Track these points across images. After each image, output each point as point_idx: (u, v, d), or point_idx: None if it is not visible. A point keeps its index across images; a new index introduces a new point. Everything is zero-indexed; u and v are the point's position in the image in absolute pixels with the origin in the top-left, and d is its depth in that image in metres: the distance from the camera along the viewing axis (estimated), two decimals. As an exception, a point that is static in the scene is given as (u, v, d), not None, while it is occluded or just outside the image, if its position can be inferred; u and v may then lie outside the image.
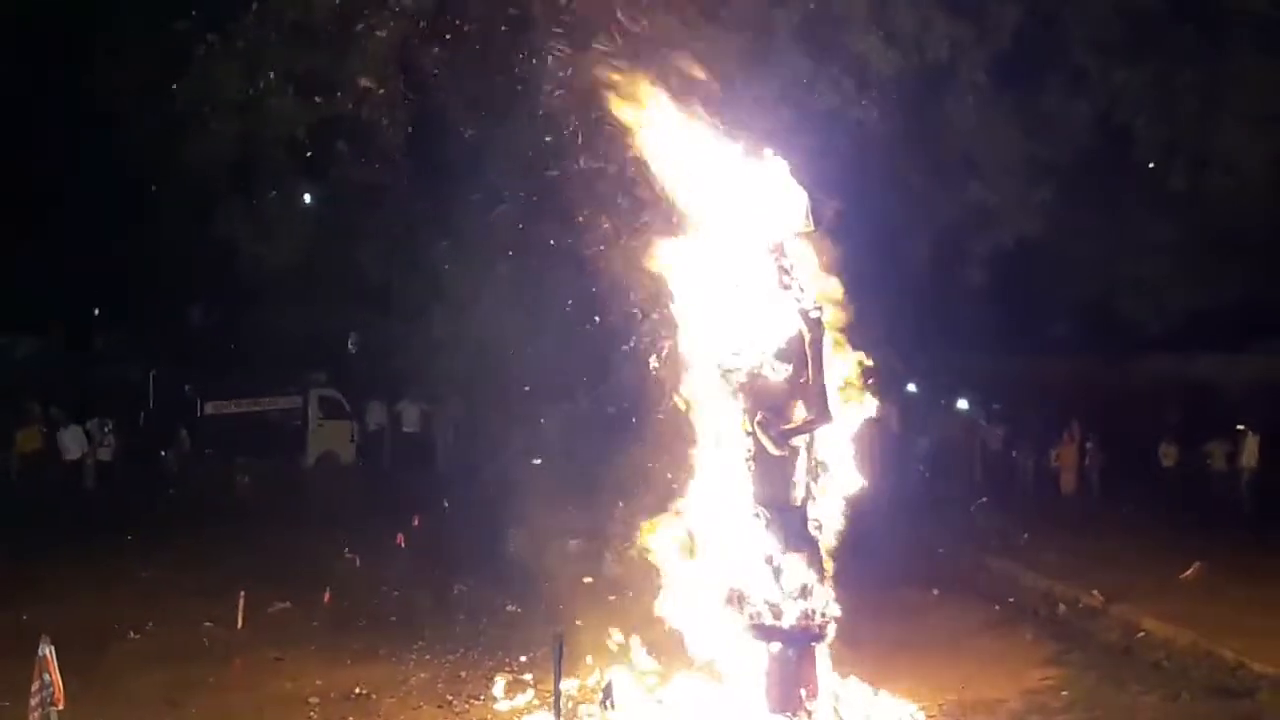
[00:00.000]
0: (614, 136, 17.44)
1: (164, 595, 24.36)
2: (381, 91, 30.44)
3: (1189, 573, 25.50)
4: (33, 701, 14.09)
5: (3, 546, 27.29)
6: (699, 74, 17.31)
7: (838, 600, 17.10)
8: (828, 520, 17.06)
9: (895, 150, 31.29)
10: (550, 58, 17.97)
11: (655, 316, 17.47)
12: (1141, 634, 22.30)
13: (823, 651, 16.98)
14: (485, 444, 33.71)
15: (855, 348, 17.42)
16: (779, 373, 16.53)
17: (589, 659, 18.87)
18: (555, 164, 18.70)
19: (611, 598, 19.60)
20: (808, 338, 16.21)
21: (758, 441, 16.47)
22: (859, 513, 17.42)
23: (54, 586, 24.51)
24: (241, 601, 21.97)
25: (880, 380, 18.00)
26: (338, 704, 18.27)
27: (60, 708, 14.04)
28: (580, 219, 18.14)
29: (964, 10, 30.56)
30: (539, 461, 25.85)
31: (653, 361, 17.69)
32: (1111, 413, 39.69)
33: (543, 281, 26.24)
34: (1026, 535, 30.02)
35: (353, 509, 33.64)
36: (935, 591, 25.86)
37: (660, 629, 18.01)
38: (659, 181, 17.19)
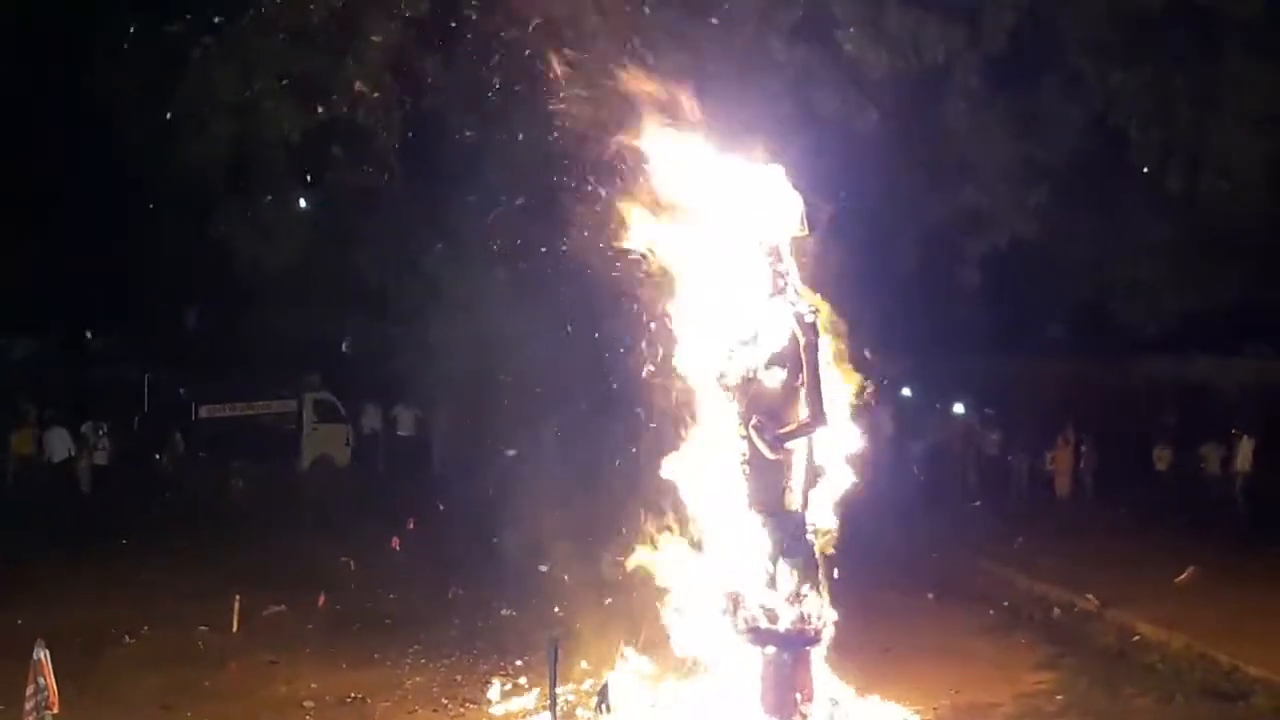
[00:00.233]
0: (610, 141, 17.43)
1: (159, 599, 24.37)
2: (377, 95, 30.46)
3: (1183, 576, 25.53)
4: (27, 706, 14.09)
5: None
6: (696, 78, 17.32)
7: (833, 604, 17.11)
8: (823, 524, 17.06)
9: (890, 152, 31.31)
10: (545, 62, 17.95)
11: (651, 320, 17.46)
12: (1136, 638, 22.34)
13: (818, 655, 16.98)
14: (480, 447, 33.73)
15: (850, 351, 17.41)
16: (774, 377, 16.54)
17: (584, 662, 18.88)
18: (550, 167, 18.68)
19: (607, 601, 19.59)
20: (802, 341, 16.20)
21: (753, 445, 16.48)
22: (854, 517, 17.42)
23: (49, 590, 24.53)
24: (237, 605, 22.02)
25: (875, 384, 18.00)
26: (333, 708, 18.28)
27: (55, 712, 14.04)
28: (575, 223, 18.11)
29: (959, 13, 30.60)
30: (531, 462, 25.85)
31: (648, 365, 17.69)
32: (1106, 415, 39.71)
33: (538, 285, 26.24)
34: (1021, 539, 30.06)
35: (348, 512, 33.63)
36: (930, 595, 25.89)
37: (656, 632, 18.02)
38: (655, 185, 17.20)
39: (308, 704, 18.44)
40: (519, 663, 20.06)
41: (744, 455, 16.56)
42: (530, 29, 18.13)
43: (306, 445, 42.71)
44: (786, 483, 16.51)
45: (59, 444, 36.64)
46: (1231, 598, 23.82)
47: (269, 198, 36.46)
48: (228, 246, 35.80)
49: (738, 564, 16.81)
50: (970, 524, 33.51)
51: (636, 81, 17.07)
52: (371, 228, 36.17)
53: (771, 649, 16.45)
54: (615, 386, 19.42)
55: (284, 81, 31.82)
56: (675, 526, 17.68)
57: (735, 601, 16.66)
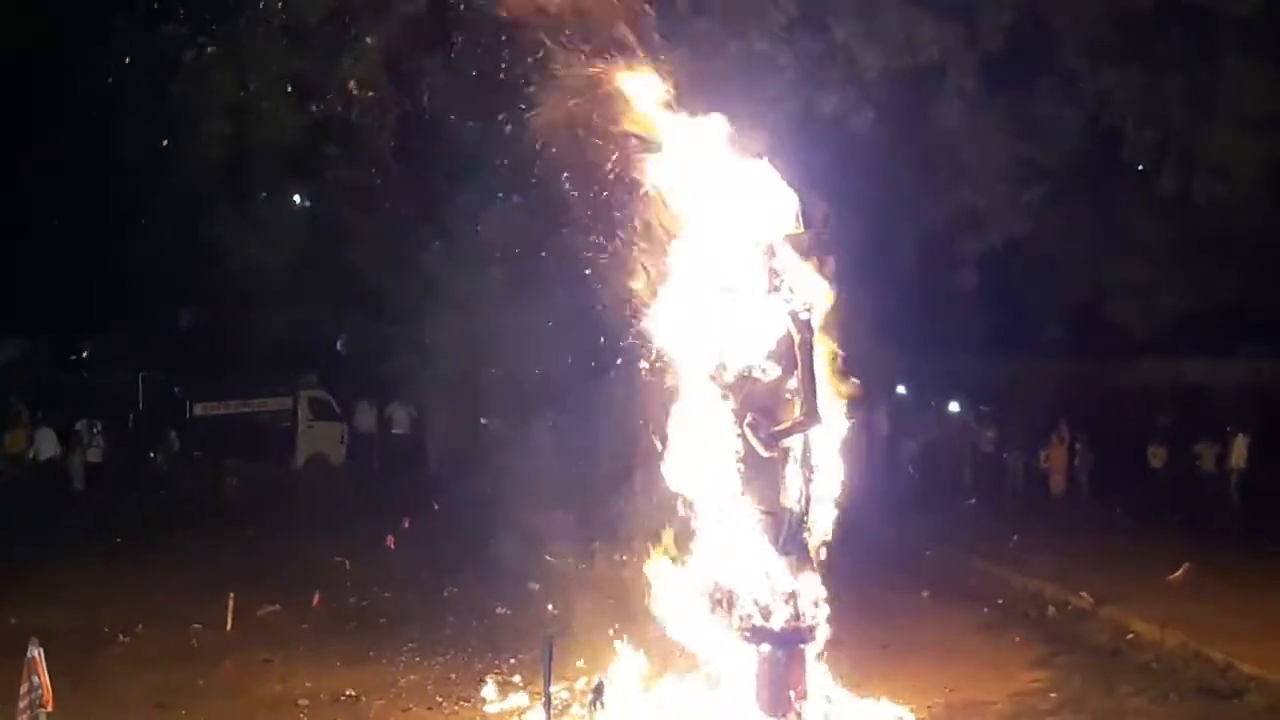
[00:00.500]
0: (605, 139, 17.42)
1: (153, 597, 24.35)
2: (372, 95, 30.47)
3: (1178, 574, 25.54)
4: (21, 704, 14.08)
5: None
6: (693, 76, 17.31)
7: (827, 602, 17.12)
8: (818, 522, 17.07)
9: (886, 152, 31.34)
10: (541, 61, 17.95)
11: (647, 318, 17.46)
12: (1130, 635, 22.35)
13: (812, 653, 16.99)
14: (475, 446, 33.73)
15: (845, 350, 17.41)
16: (769, 375, 16.56)
17: (579, 661, 18.88)
18: (546, 167, 18.68)
19: (602, 599, 19.57)
20: (797, 339, 16.22)
21: (748, 443, 16.49)
22: (849, 514, 17.43)
23: (43, 588, 24.52)
24: (231, 603, 22.01)
25: (870, 382, 18.02)
26: (327, 706, 18.27)
27: (49, 710, 14.03)
28: (571, 221, 18.12)
29: (954, 13, 30.61)
30: (524, 457, 25.83)
31: (643, 363, 17.68)
32: (1101, 414, 39.74)
33: (534, 283, 26.26)
34: (1016, 537, 30.05)
35: (342, 511, 33.64)
36: (925, 593, 25.89)
37: (650, 630, 18.02)
38: (651, 183, 17.20)
39: (302, 702, 18.43)
40: (513, 661, 20.06)
41: (739, 453, 16.58)
42: (526, 28, 18.08)
43: (301, 443, 42.68)
44: (781, 480, 16.52)
45: (46, 444, 36.63)
46: (1226, 596, 23.83)
47: (264, 196, 36.47)
48: (223, 245, 35.81)
49: (732, 562, 16.82)
50: (965, 522, 33.52)
51: (634, 80, 17.08)
52: (367, 226, 36.18)
53: (766, 647, 16.46)
54: (610, 384, 19.43)
55: (280, 81, 31.85)
56: (670, 525, 17.69)
57: (730, 599, 16.67)
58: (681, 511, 17.42)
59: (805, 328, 16.14)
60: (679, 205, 16.99)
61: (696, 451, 17.09)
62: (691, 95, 17.24)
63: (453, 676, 19.71)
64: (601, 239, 17.72)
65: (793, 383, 16.36)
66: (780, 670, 16.44)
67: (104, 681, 18.88)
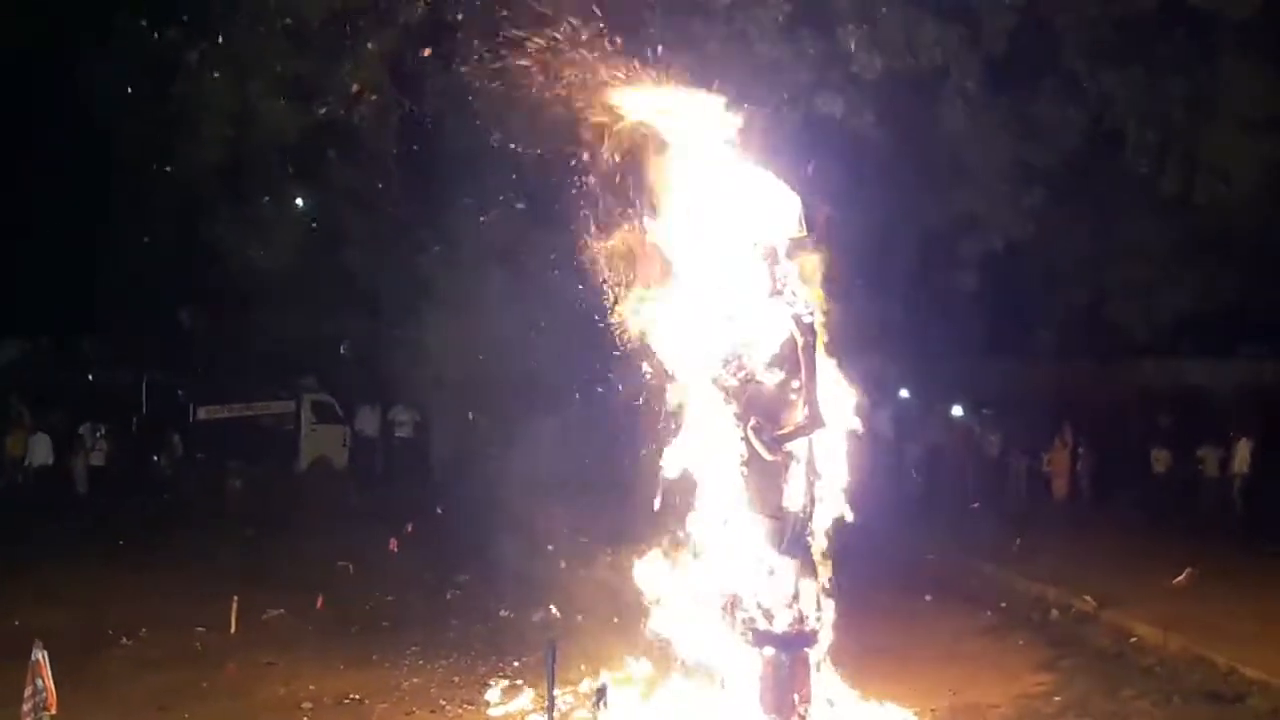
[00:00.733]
0: (608, 142, 17.44)
1: (156, 600, 24.37)
2: (373, 97, 30.49)
3: (1181, 578, 25.53)
4: (25, 707, 14.09)
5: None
6: (696, 79, 17.33)
7: (831, 605, 17.14)
8: (821, 526, 17.08)
9: (887, 155, 31.32)
10: (542, 63, 17.96)
11: (649, 321, 17.47)
12: (1133, 639, 22.35)
13: (816, 656, 17.00)
14: (479, 449, 33.75)
15: (848, 353, 17.42)
16: (772, 378, 16.57)
17: (582, 664, 18.88)
18: (547, 169, 18.72)
19: (605, 602, 19.57)
20: (800, 343, 16.23)
21: (751, 447, 16.50)
22: (852, 518, 17.44)
23: (46, 591, 24.50)
24: (234, 606, 22.02)
25: (872, 386, 18.05)
26: (331, 709, 18.28)
27: (53, 713, 14.04)
28: (573, 224, 18.12)
29: (956, 15, 30.60)
30: (531, 464, 25.84)
31: (646, 366, 17.70)
32: (1103, 418, 39.76)
33: (536, 286, 26.28)
34: (1019, 540, 30.02)
35: (346, 514, 33.67)
36: (928, 597, 25.90)
37: (654, 633, 18.03)
38: (653, 187, 17.22)
39: (306, 705, 18.43)
40: (516, 664, 20.07)
41: (742, 457, 16.59)
42: (528, 31, 18.09)
43: (304, 446, 42.71)
44: (785, 484, 16.53)
45: (40, 450, 36.64)
46: (1229, 599, 23.82)
47: (265, 199, 36.47)
48: (225, 247, 35.82)
49: (736, 565, 16.83)
50: (968, 525, 33.53)
51: (635, 83, 17.09)
52: (368, 229, 36.17)
53: (770, 650, 16.47)
54: (612, 388, 19.44)
55: (281, 83, 31.85)
56: (674, 528, 17.70)
57: (733, 603, 16.69)
58: (685, 515, 17.45)
59: (808, 331, 16.15)
60: (681, 208, 17.01)
61: (700, 455, 17.12)
62: (693, 98, 17.26)
63: (456, 679, 19.71)
64: (603, 241, 17.73)
65: (796, 386, 16.37)
66: (784, 673, 16.45)
67: (107, 684, 18.88)
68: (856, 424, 17.42)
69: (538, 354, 28.25)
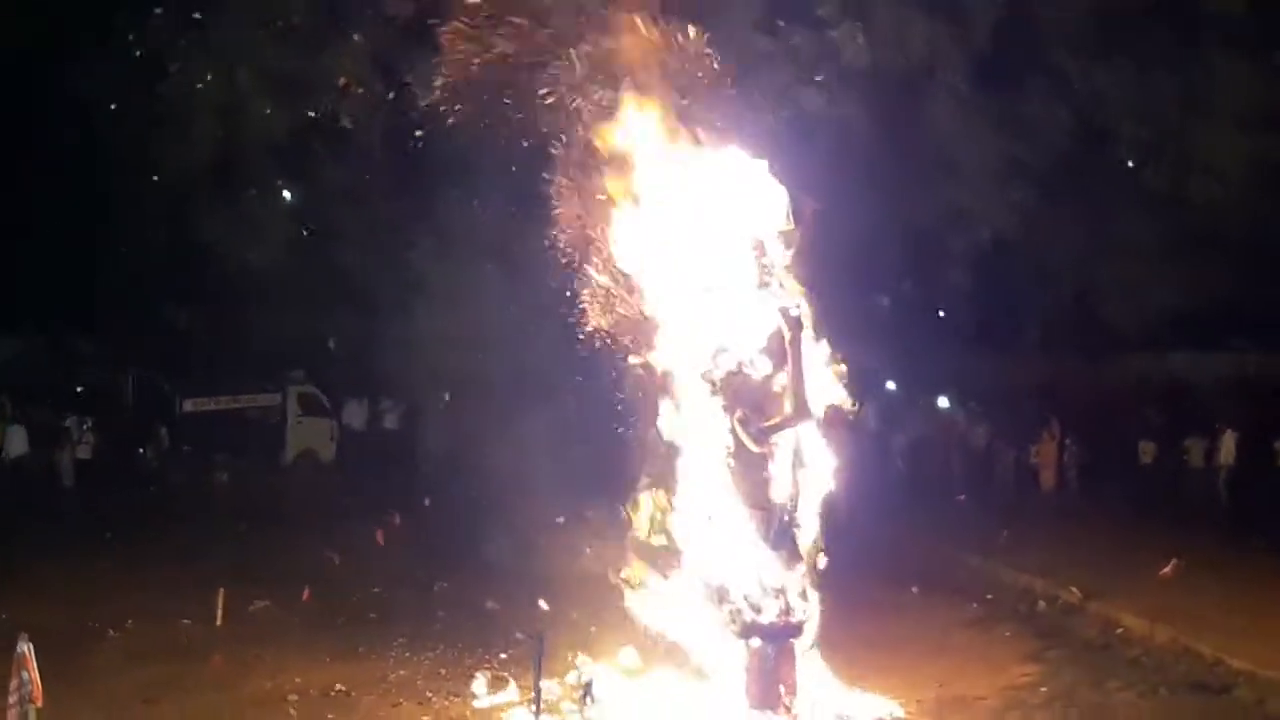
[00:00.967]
0: (596, 137, 17.45)
1: (143, 593, 24.31)
2: (361, 91, 30.48)
3: (1167, 569, 25.56)
4: (11, 699, 14.08)
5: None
6: (681, 74, 17.35)
7: (817, 597, 17.16)
8: (807, 518, 17.10)
9: (875, 150, 31.34)
10: (530, 57, 17.96)
11: (637, 314, 17.50)
12: (1120, 630, 22.39)
13: (802, 648, 17.04)
14: (466, 442, 33.73)
15: (834, 346, 17.45)
16: (759, 370, 16.60)
17: (569, 656, 18.88)
18: (536, 163, 18.69)
19: (592, 594, 19.57)
20: (787, 335, 16.26)
21: (738, 439, 16.53)
22: (838, 511, 17.47)
23: (32, 585, 24.43)
24: (221, 599, 21.98)
25: (858, 379, 18.05)
26: (317, 702, 18.26)
27: (39, 705, 14.03)
28: (560, 218, 18.13)
29: (944, 12, 30.65)
30: (518, 457, 25.84)
31: (634, 359, 17.72)
32: (1090, 410, 39.82)
33: (525, 280, 26.26)
34: (1005, 532, 30.06)
35: (332, 507, 33.65)
36: (914, 589, 25.90)
37: (641, 625, 18.05)
38: (642, 182, 17.24)
39: (292, 697, 18.41)
40: (503, 656, 20.06)
41: (729, 449, 16.61)
42: (516, 25, 18.07)
43: (291, 439, 42.66)
44: (771, 476, 16.57)
45: (16, 441, 36.57)
46: (1215, 590, 23.86)
47: (252, 193, 36.42)
48: (213, 242, 35.76)
49: (722, 557, 16.86)
50: (954, 517, 33.57)
51: (623, 76, 17.11)
52: (356, 222, 36.14)
53: (756, 641, 16.52)
54: (600, 381, 19.43)
55: (269, 80, 31.83)
56: (661, 520, 17.71)
57: (720, 594, 16.72)
58: (672, 507, 17.47)
59: (795, 324, 16.18)
60: (670, 202, 17.03)
61: (687, 447, 17.15)
62: (682, 92, 17.29)
63: (443, 671, 19.70)
64: (591, 236, 17.74)
65: (782, 378, 16.40)
66: (770, 665, 16.50)
67: (93, 677, 18.85)
68: (842, 411, 17.46)
69: (526, 348, 28.21)
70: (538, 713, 14.25)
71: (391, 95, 30.27)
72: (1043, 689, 19.08)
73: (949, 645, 21.62)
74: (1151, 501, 33.99)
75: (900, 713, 17.47)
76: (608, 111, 17.23)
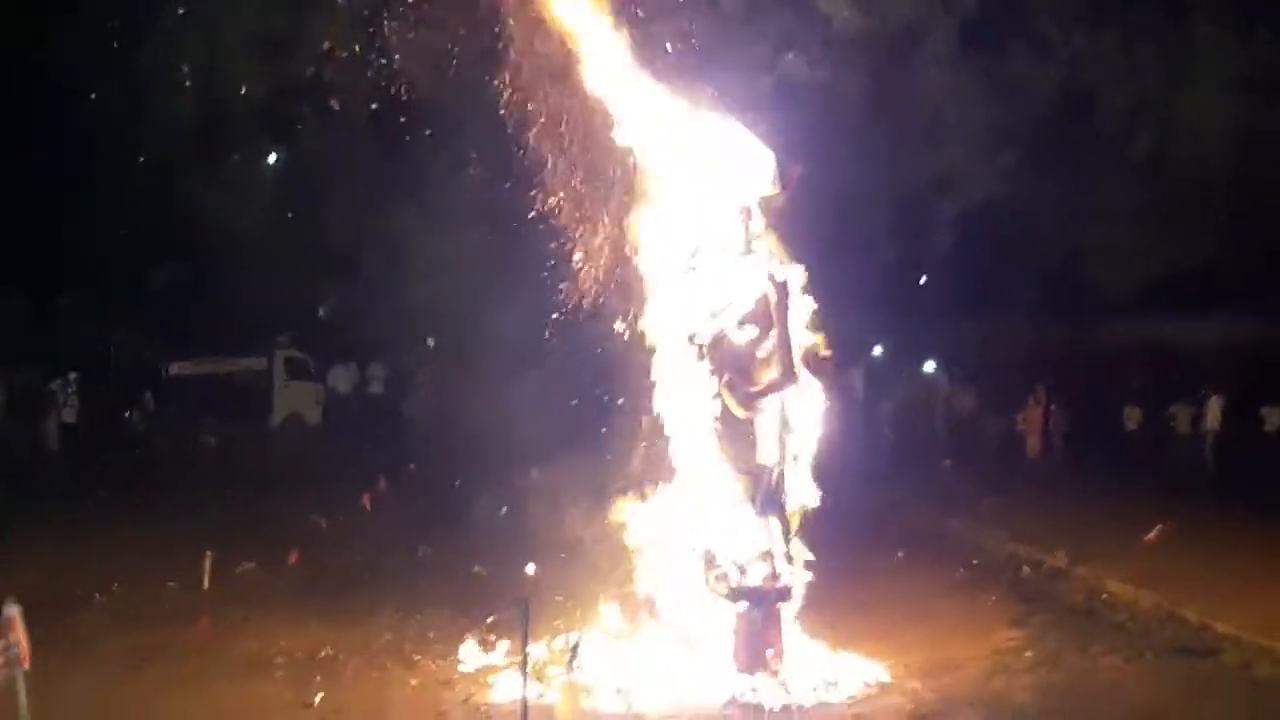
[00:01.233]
0: (582, 101, 17.42)
1: (129, 557, 24.29)
2: (345, 54, 30.35)
3: (1152, 535, 25.60)
4: (-1, 661, 14.06)
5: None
6: (670, 37, 17.32)
7: (804, 561, 17.18)
8: (794, 482, 17.12)
9: (862, 116, 31.35)
10: (518, 20, 17.89)
11: (623, 279, 17.49)
12: (1105, 595, 22.41)
13: (789, 612, 17.07)
14: (452, 407, 33.74)
15: (820, 311, 17.44)
16: (745, 335, 16.60)
17: (556, 620, 18.89)
18: (523, 129, 18.64)
19: (580, 558, 19.57)
20: (773, 300, 16.26)
21: (724, 404, 16.54)
22: (825, 475, 17.49)
23: (16, 548, 24.36)
24: (208, 563, 21.95)
25: (845, 344, 18.07)
26: (304, 665, 18.23)
27: (26, 668, 14.00)
28: (548, 183, 18.10)
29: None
30: (505, 422, 25.85)
31: (620, 324, 17.72)
32: (1076, 376, 39.87)
33: (511, 245, 26.21)
34: (991, 498, 30.11)
35: (319, 471, 33.63)
36: (900, 554, 25.91)
37: (628, 590, 18.07)
38: (627, 145, 17.21)
39: (279, 660, 18.38)
40: (490, 620, 20.01)
41: (716, 414, 16.63)
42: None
43: (278, 403, 42.68)
44: (758, 441, 16.59)
45: None
46: (1200, 555, 23.90)
47: (237, 157, 36.36)
48: (198, 205, 35.70)
49: (710, 521, 16.88)
50: (940, 483, 33.62)
51: (610, 40, 17.07)
52: (342, 187, 36.10)
53: (743, 605, 16.55)
54: (587, 346, 19.43)
55: (250, 41, 31.75)
56: (648, 484, 17.72)
57: (707, 558, 16.75)
58: (659, 471, 17.48)
59: (781, 289, 16.18)
60: (655, 166, 17.02)
61: (675, 411, 17.16)
62: (668, 56, 17.26)
63: (430, 635, 19.67)
64: (578, 200, 17.72)
65: (769, 343, 16.41)
66: (757, 628, 16.53)
67: (80, 640, 18.83)
68: (828, 382, 17.48)
69: (512, 313, 28.18)
70: (525, 676, 14.24)
71: (374, 58, 30.19)
72: (1028, 653, 19.08)
73: (935, 610, 21.62)
74: (1137, 467, 34.07)
75: (886, 676, 17.46)
76: (593, 78, 17.21)
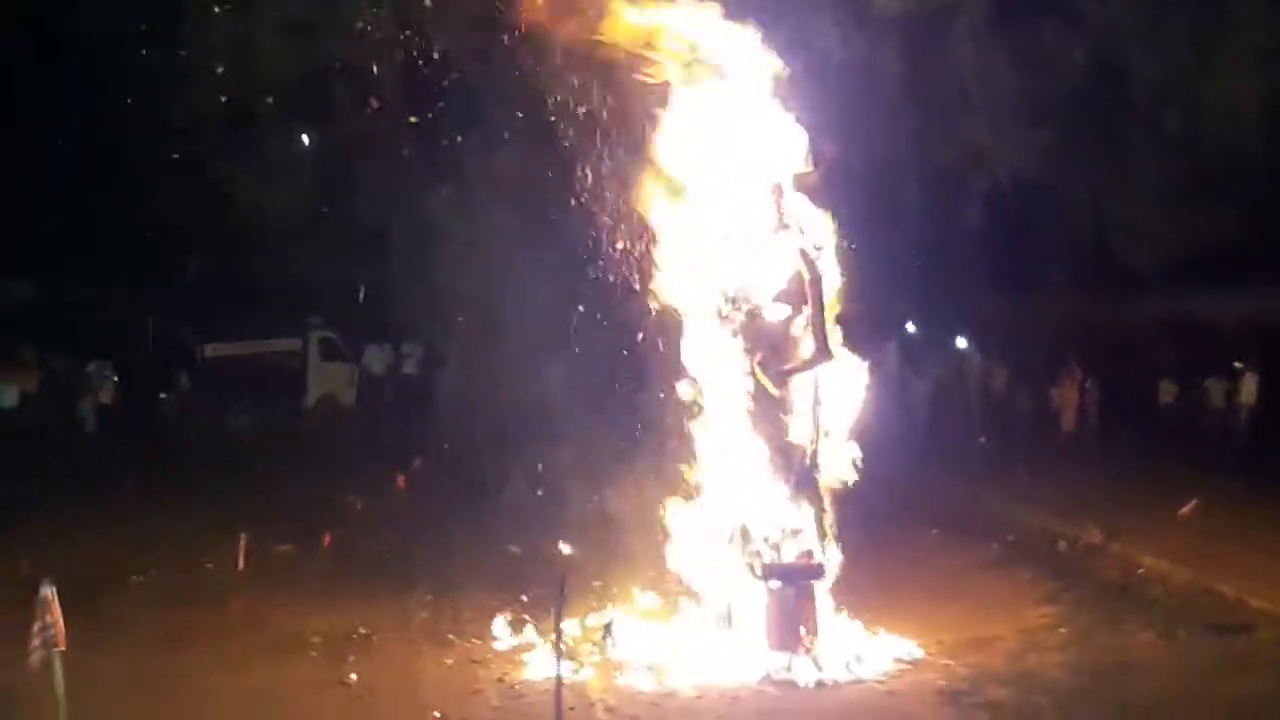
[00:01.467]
0: (615, 80, 17.43)
1: (165, 538, 24.41)
2: (378, 34, 30.38)
3: (1187, 510, 25.53)
4: (35, 642, 14.09)
5: (2, 489, 27.45)
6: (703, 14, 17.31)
7: (837, 539, 17.20)
8: (828, 460, 17.13)
9: (895, 91, 31.26)
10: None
11: (658, 258, 17.50)
12: (1140, 571, 22.33)
13: (822, 590, 17.09)
14: (485, 387, 33.76)
15: (854, 288, 17.44)
16: (778, 313, 16.61)
17: (590, 598, 18.94)
18: (555, 106, 18.65)
19: (614, 537, 19.61)
20: (807, 278, 16.27)
21: (758, 382, 16.56)
22: (859, 452, 17.49)
23: (53, 530, 24.52)
24: (243, 543, 22.03)
25: (879, 320, 18.08)
26: (339, 644, 18.29)
27: (62, 649, 14.08)
28: (581, 163, 18.12)
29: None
30: (539, 401, 25.87)
31: (654, 302, 17.73)
32: (1110, 352, 39.76)
33: (544, 225, 26.24)
34: (1026, 474, 30.05)
35: (353, 451, 33.74)
36: (934, 531, 25.90)
37: (662, 568, 18.11)
38: (661, 125, 17.23)
39: (314, 639, 18.43)
40: (525, 599, 20.04)
41: (749, 392, 16.65)
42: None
43: (312, 384, 42.82)
44: (792, 418, 16.61)
45: (5, 395, 36.68)
46: (1235, 531, 23.82)
47: (270, 141, 36.42)
48: (231, 187, 35.79)
49: (743, 500, 16.91)
50: (975, 459, 33.57)
51: (643, 17, 17.07)
52: (374, 168, 36.12)
53: (776, 583, 16.57)
54: (620, 325, 19.45)
55: (281, 23, 31.76)
56: (682, 463, 17.76)
57: (740, 536, 16.78)
58: (693, 450, 17.52)
59: (815, 266, 16.20)
60: (689, 145, 17.03)
61: (708, 390, 17.18)
62: (703, 34, 17.25)
63: (464, 614, 19.70)
64: (611, 180, 17.74)
65: (802, 321, 16.42)
66: (790, 606, 16.56)
67: (116, 621, 18.89)
68: (862, 358, 17.49)
69: (547, 291, 28.20)
70: (559, 654, 14.28)
71: (407, 38, 30.23)
72: (1061, 630, 19.06)
73: (968, 586, 21.61)
74: (1172, 442, 33.98)
75: (919, 654, 17.47)
76: (627, 57, 17.20)
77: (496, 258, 29.08)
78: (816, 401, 16.71)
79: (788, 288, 16.58)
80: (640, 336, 18.56)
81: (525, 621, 18.84)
